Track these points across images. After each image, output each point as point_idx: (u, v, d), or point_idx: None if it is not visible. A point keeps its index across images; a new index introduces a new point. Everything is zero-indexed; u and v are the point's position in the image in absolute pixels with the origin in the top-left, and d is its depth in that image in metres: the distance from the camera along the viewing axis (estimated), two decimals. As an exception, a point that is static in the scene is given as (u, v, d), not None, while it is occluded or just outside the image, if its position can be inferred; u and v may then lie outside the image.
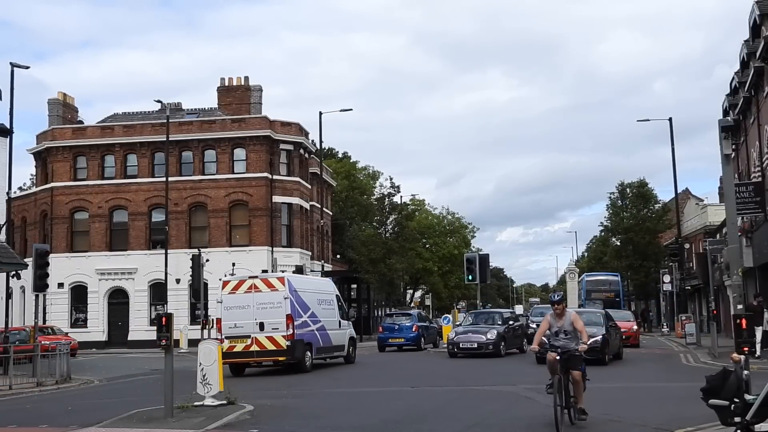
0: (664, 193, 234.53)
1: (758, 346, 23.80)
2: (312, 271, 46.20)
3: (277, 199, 46.81)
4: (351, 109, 50.83)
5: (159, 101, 43.05)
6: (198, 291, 37.96)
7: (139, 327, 46.10)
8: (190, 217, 47.20)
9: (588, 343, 11.34)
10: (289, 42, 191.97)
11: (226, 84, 51.56)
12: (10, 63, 29.08)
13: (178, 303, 43.83)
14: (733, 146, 34.45)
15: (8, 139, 28.41)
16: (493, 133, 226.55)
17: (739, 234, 29.97)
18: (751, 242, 34.33)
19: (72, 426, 12.50)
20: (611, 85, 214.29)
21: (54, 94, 51.50)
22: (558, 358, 10.85)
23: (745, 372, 8.70)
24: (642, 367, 23.18)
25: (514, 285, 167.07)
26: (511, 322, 30.40)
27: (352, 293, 54.41)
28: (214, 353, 13.98)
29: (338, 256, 62.02)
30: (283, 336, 21.98)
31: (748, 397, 8.30)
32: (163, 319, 13.19)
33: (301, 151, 49.29)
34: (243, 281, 22.91)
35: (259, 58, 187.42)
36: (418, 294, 78.21)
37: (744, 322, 15.05)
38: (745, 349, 13.35)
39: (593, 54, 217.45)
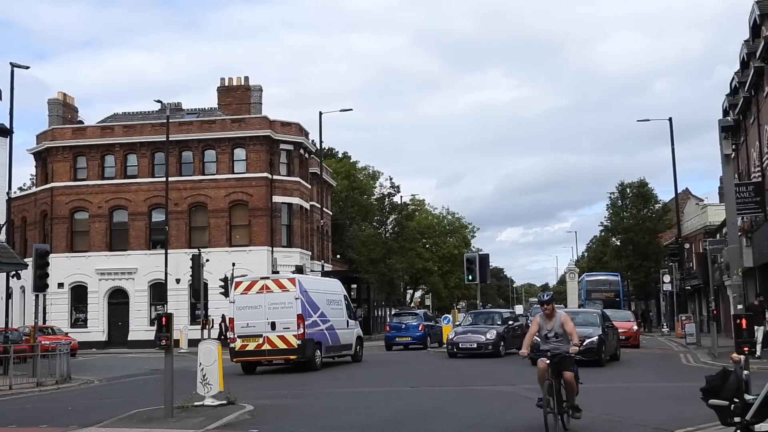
0: (664, 193, 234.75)
1: (758, 346, 23.82)
2: (312, 271, 46.21)
3: (277, 199, 46.83)
4: (351, 109, 50.76)
5: (159, 101, 43.10)
6: (198, 291, 38.03)
7: (139, 327, 46.14)
8: (190, 217, 47.23)
9: (583, 344, 11.07)
10: (289, 42, 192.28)
11: (226, 84, 51.60)
12: (11, 63, 29.07)
13: (178, 303, 43.87)
14: (733, 146, 34.46)
15: (8, 139, 28.42)
16: (494, 133, 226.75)
17: (739, 234, 29.96)
18: (751, 242, 34.35)
19: (72, 426, 12.50)
20: (611, 85, 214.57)
21: (54, 94, 51.66)
22: (548, 362, 10.54)
23: (745, 372, 8.71)
24: (642, 368, 23.15)
25: (514, 285, 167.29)
26: (510, 322, 30.43)
27: (352, 293, 54.31)
28: (214, 353, 13.99)
29: (338, 256, 62.05)
30: (294, 335, 22.45)
31: (747, 397, 8.31)
32: (163, 319, 13.18)
33: (301, 151, 49.30)
34: (255, 282, 23.37)
35: (259, 58, 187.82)
36: (418, 294, 78.19)
37: (744, 322, 15.02)
38: (745, 349, 13.32)
39: (594, 54, 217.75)
